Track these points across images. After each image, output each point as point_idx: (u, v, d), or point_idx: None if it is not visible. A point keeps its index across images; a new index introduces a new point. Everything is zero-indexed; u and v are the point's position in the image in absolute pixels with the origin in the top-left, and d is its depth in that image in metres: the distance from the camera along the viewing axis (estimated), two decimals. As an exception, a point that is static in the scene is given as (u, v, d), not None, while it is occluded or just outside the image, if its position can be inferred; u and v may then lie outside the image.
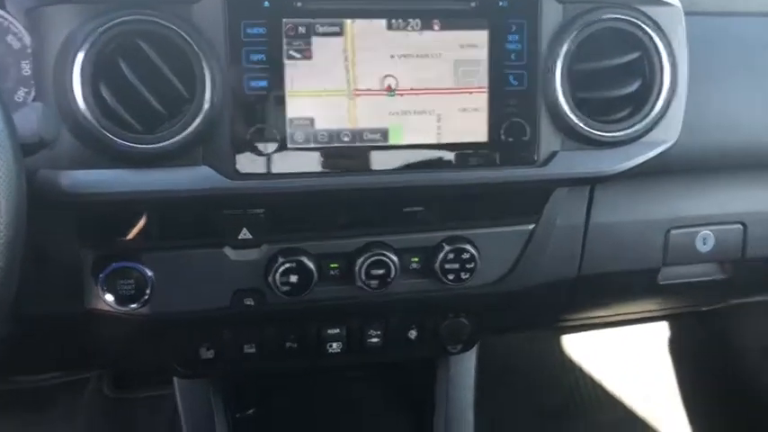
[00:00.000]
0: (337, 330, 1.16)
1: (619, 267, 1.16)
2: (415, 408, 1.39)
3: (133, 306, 1.01)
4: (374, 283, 1.06)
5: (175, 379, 1.28)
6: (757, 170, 1.18)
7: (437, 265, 1.07)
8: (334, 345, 1.17)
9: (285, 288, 1.04)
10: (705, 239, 1.16)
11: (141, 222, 0.99)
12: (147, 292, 1.01)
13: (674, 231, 1.16)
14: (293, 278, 1.03)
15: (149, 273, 1.01)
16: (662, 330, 2.10)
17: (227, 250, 1.03)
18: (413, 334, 1.19)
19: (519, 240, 1.11)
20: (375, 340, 1.18)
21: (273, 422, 1.37)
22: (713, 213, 1.16)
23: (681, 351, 2.07)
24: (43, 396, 1.73)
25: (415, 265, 1.09)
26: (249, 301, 1.06)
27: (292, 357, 1.17)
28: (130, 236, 1.00)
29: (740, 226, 1.16)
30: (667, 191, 1.16)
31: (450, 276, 1.08)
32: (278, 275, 1.03)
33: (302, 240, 1.05)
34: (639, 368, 2.08)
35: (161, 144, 0.89)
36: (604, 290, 1.21)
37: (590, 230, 1.14)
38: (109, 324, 1.05)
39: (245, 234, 1.02)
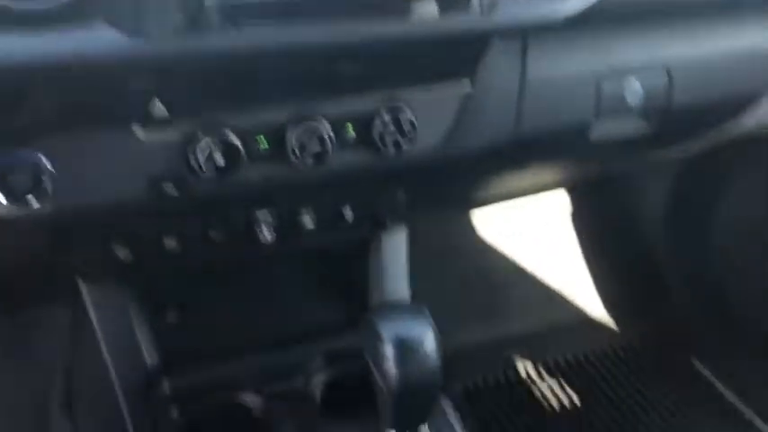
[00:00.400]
0: (267, 215, 1.06)
1: (554, 125, 1.13)
2: (349, 295, 1.34)
3: (30, 204, 0.86)
4: (309, 157, 0.96)
5: (83, 288, 1.14)
6: (680, 17, 1.17)
7: (375, 133, 0.99)
8: (265, 231, 1.07)
9: (209, 171, 0.92)
10: (634, 89, 1.14)
11: (30, 99, 0.83)
12: (47, 186, 0.86)
13: (605, 83, 1.13)
14: (218, 158, 0.92)
15: (46, 162, 0.86)
16: (562, 203, 2.15)
17: (137, 130, 0.89)
18: (348, 213, 1.12)
19: (456, 102, 1.04)
20: (308, 224, 1.10)
21: (200, 326, 1.27)
22: (640, 60, 1.14)
23: (582, 223, 2.13)
24: None
25: (351, 136, 1.00)
26: (169, 189, 0.93)
27: (219, 249, 1.07)
28: (18, 117, 0.83)
29: (666, 73, 1.15)
30: (597, 42, 1.13)
31: (389, 145, 1.00)
32: (200, 156, 0.91)
33: (225, 113, 0.92)
34: (543, 242, 2.14)
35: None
36: (539, 151, 1.18)
37: (525, 87, 1.09)
38: (2, 230, 0.90)
39: (157, 109, 0.88)
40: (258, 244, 1.07)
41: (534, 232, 2.13)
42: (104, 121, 0.87)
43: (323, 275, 1.38)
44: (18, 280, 1.14)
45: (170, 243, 1.03)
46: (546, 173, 1.40)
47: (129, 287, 1.15)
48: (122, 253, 1.01)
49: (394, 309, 1.03)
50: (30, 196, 0.85)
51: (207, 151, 0.91)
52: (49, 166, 0.86)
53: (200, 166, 0.91)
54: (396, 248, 1.30)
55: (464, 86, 1.04)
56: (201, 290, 1.32)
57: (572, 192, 2.11)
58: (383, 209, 1.13)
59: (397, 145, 1.01)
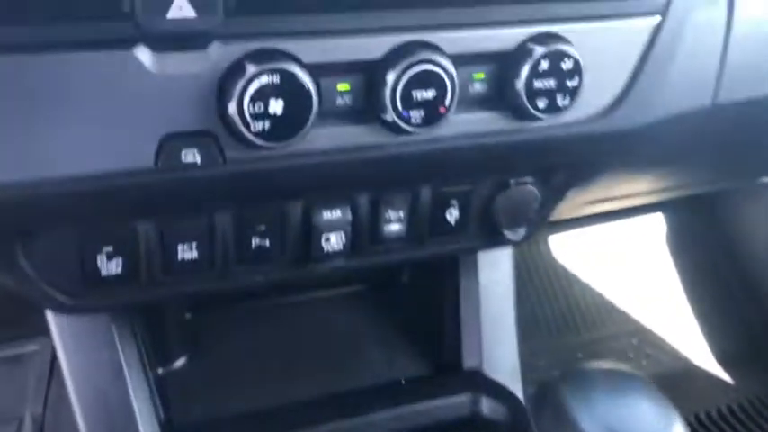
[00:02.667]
0: (338, 212, 0.68)
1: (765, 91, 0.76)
2: (426, 341, 0.95)
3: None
4: (418, 115, 0.59)
5: (52, 321, 0.76)
6: None
7: (521, 82, 0.62)
8: (332, 238, 0.69)
9: (260, 126, 0.55)
10: None
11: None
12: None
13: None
14: (276, 105, 0.55)
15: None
16: (654, 225, 1.78)
17: (142, 53, 0.52)
18: (453, 214, 0.74)
19: (637, 43, 0.67)
20: (395, 227, 0.72)
21: (216, 374, 0.89)
22: None
23: (677, 245, 1.77)
24: None
25: (479, 87, 0.63)
26: (192, 157, 0.56)
27: (259, 266, 0.69)
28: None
29: None
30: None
31: (542, 103, 0.63)
32: (247, 100, 0.54)
33: (287, 36, 0.55)
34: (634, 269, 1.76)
35: None
36: (737, 129, 0.80)
37: (733, 31, 0.72)
38: None
39: (179, 11, 0.51)
40: (318, 259, 0.70)
41: (621, 257, 1.75)
42: (93, 41, 0.51)
43: (389, 313, 0.99)
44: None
45: (187, 253, 0.65)
46: (699, 171, 1.02)
47: (118, 321, 0.76)
48: (111, 266, 0.63)
49: (595, 378, 0.64)
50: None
51: (258, 93, 0.54)
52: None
53: (246, 119, 0.54)
54: (501, 275, 0.92)
55: (651, 17, 0.67)
56: (222, 328, 0.93)
57: (667, 211, 1.75)
58: (505, 208, 0.75)
59: (552, 105, 0.63)
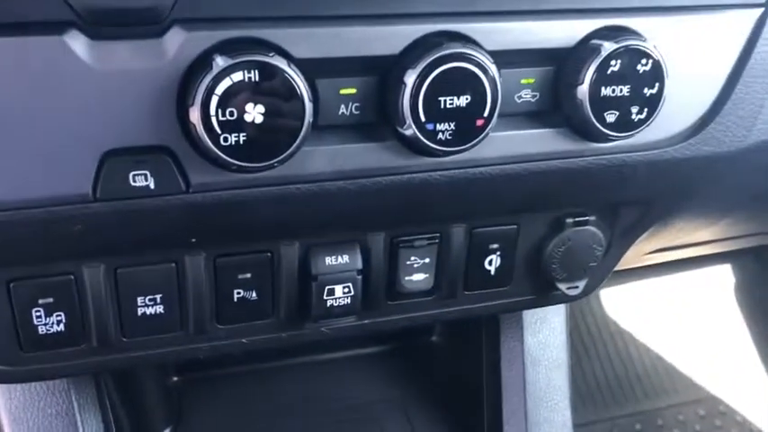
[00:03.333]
0: (344, 257, 0.53)
1: None
2: (457, 405, 0.79)
3: None
4: (447, 129, 0.45)
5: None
6: None
7: (584, 89, 0.47)
8: (338, 291, 0.54)
9: (232, 139, 0.41)
10: None
11: None
12: None
13: None
14: (254, 112, 0.40)
15: None
16: (721, 276, 1.60)
17: (76, 40, 0.39)
18: (493, 261, 0.58)
19: (734, 43, 0.52)
20: (419, 278, 0.56)
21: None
22: None
23: (747, 299, 1.58)
24: None
25: (528, 95, 0.49)
26: (143, 180, 0.42)
27: (245, 326, 0.54)
28: None
29: None
30: None
31: (611, 118, 0.48)
32: (215, 104, 0.40)
33: (270, 22, 0.42)
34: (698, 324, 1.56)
35: None
36: None
37: None
38: None
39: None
40: (319, 318, 0.54)
41: (683, 313, 1.56)
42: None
43: (411, 378, 0.83)
44: None
45: (148, 306, 0.50)
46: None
47: (79, 387, 0.61)
48: (49, 323, 0.49)
49: None
50: None
51: (231, 95, 0.40)
52: None
53: (213, 128, 0.40)
54: (551, 335, 0.76)
55: (751, 15, 0.52)
56: (212, 394, 0.78)
57: (737, 261, 1.56)
58: (560, 255, 0.59)
59: (624, 120, 0.48)
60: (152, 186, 0.42)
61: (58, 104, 0.40)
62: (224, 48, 0.41)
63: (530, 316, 0.75)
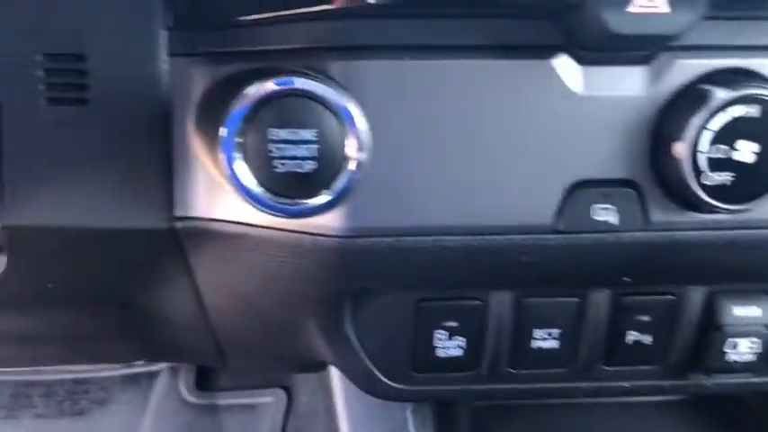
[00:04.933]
0: (754, 309, 0.48)
1: None
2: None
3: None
4: None
5: (339, 393, 0.63)
6: None
7: None
8: (742, 345, 0.48)
9: (719, 178, 0.37)
10: None
11: None
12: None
13: None
14: (747, 150, 0.37)
15: (356, 114, 0.36)
16: None
17: (562, 63, 0.37)
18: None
19: None
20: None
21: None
22: None
23: None
24: (96, 391, 1.12)
25: None
26: (606, 214, 0.40)
27: (632, 369, 0.50)
28: None
29: None
30: None
31: None
32: (709, 140, 0.36)
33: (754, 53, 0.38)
34: None
35: None
36: None
37: None
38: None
39: (646, 3, 0.35)
40: (707, 369, 0.49)
41: None
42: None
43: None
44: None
45: (544, 341, 0.48)
46: None
47: (418, 411, 0.61)
48: (448, 347, 0.48)
49: None
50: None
51: (729, 131, 0.36)
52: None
53: (699, 166, 0.37)
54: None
55: None
56: (512, 424, 0.75)
57: None
58: None
59: None
60: (615, 221, 0.40)
61: (536, 128, 0.39)
62: (713, 78, 0.38)
63: None
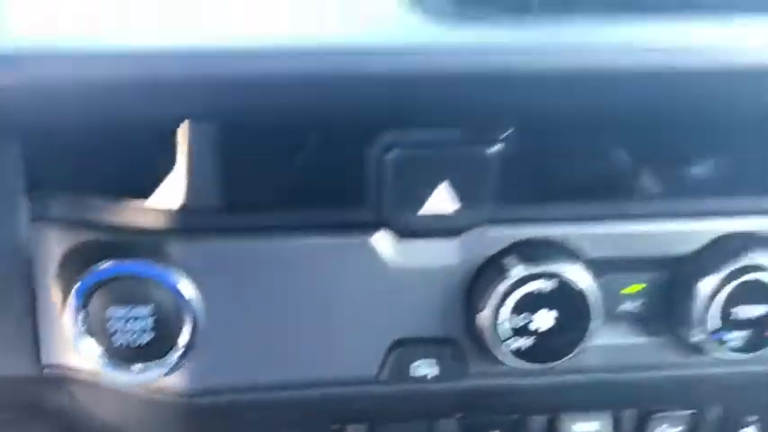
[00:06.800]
0: (595, 425, 0.52)
1: None
2: None
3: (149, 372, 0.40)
4: (740, 338, 0.42)
5: None
6: None
7: None
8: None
9: (519, 343, 0.41)
10: None
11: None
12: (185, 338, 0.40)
13: None
14: (545, 318, 0.40)
15: (188, 290, 0.40)
16: None
17: (381, 240, 0.41)
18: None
19: None
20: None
21: None
22: None
23: None
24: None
25: None
26: (426, 368, 0.43)
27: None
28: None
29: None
30: None
31: None
32: (508, 311, 0.40)
33: (563, 222, 0.42)
34: None
35: None
36: None
37: None
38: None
39: (436, 204, 0.39)
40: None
41: None
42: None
43: None
44: None
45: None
46: None
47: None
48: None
49: None
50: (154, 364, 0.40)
51: (525, 303, 0.40)
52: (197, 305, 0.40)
53: (498, 333, 0.40)
54: None
55: None
56: None
57: None
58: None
59: None
60: (435, 372, 0.44)
61: (359, 296, 0.42)
62: (519, 250, 0.41)
63: None
